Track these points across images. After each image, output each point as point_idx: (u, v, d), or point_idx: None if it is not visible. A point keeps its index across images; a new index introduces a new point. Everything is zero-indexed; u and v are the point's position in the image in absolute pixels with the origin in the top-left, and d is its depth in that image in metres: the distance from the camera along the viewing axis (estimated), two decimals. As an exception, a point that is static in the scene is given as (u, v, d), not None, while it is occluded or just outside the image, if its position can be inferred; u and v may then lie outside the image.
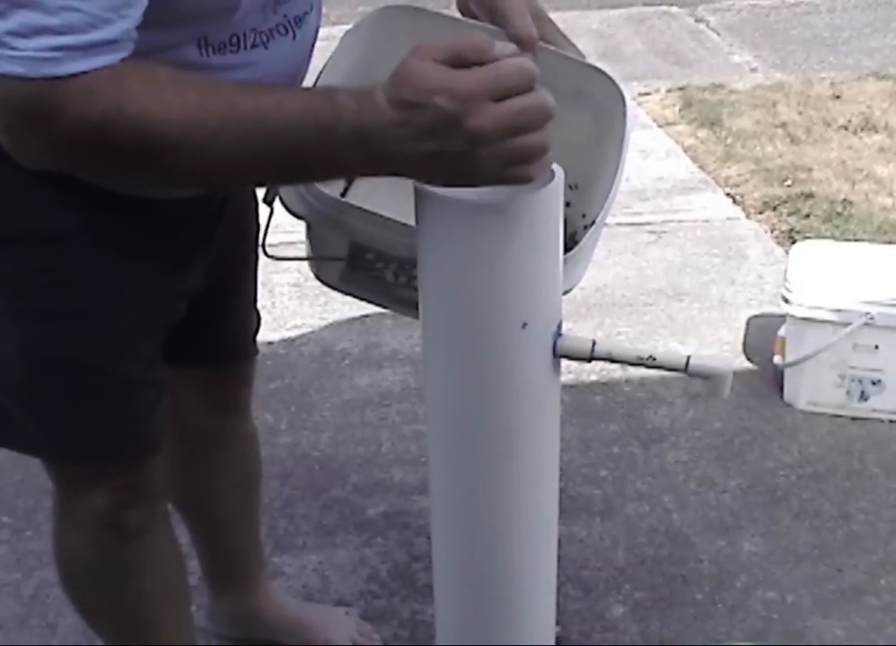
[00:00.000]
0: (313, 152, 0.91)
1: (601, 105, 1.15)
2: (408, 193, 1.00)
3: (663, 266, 2.96)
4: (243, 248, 1.43)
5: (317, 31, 1.18)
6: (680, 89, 4.18)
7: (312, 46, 1.18)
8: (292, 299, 2.79)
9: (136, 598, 1.43)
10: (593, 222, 1.14)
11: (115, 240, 1.16)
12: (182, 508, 1.67)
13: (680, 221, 3.20)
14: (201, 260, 1.29)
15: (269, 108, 0.91)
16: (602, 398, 2.42)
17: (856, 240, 2.86)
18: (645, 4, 5.30)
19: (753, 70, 4.49)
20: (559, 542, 1.20)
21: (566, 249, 1.05)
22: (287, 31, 1.10)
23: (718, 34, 4.95)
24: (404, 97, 0.86)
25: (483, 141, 0.86)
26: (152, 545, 1.39)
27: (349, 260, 1.22)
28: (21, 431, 1.24)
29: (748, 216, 3.23)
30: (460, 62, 0.87)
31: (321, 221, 1.16)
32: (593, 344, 1.03)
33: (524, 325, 0.99)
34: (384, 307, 1.30)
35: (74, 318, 1.17)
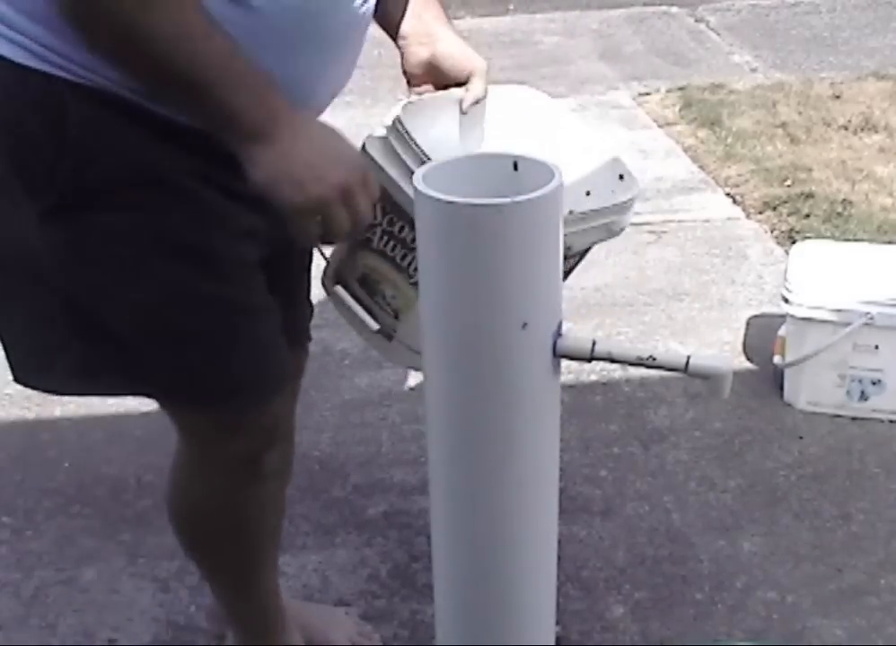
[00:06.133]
0: (227, 104, 1.10)
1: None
2: None
3: (663, 266, 2.96)
4: None
5: None
6: (680, 89, 4.18)
7: None
8: (292, 299, 2.79)
9: (259, 533, 1.54)
10: None
11: (219, 181, 1.22)
12: None
13: (680, 221, 3.20)
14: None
15: (231, 61, 1.09)
16: (602, 398, 2.42)
17: (856, 240, 2.86)
18: (645, 4, 5.30)
19: (753, 70, 4.49)
20: (559, 542, 1.20)
21: None
22: None
23: (718, 34, 4.95)
24: (304, 156, 1.13)
25: (319, 203, 1.14)
26: (279, 483, 1.50)
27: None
28: (166, 378, 1.30)
29: (748, 216, 3.23)
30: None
31: None
32: (593, 344, 1.03)
33: (524, 325, 0.99)
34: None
35: (205, 254, 1.23)
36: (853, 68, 4.40)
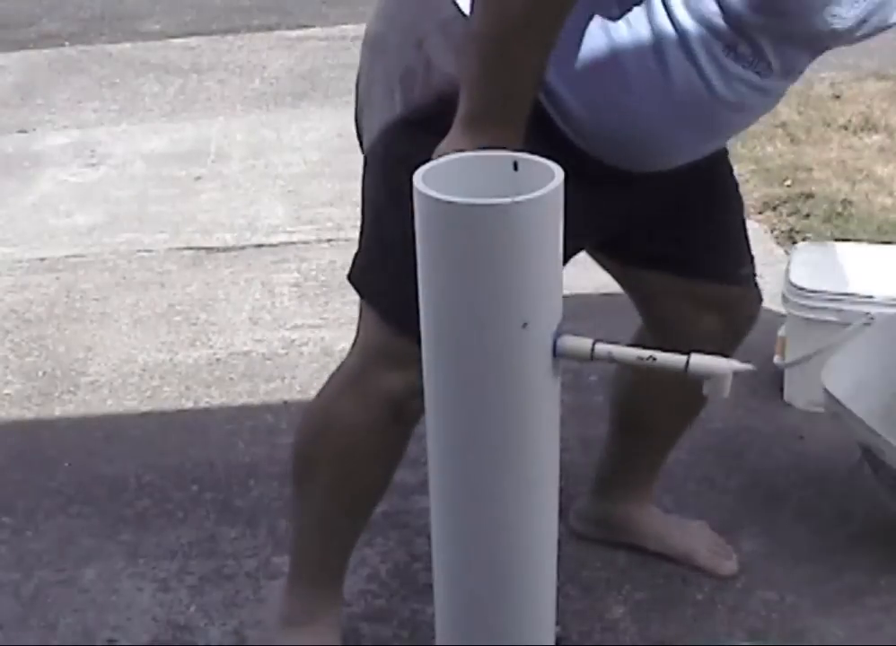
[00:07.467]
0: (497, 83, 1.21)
1: None
2: None
3: (663, 266, 2.95)
4: (709, 189, 1.66)
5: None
6: (681, 89, 4.18)
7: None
8: (292, 299, 2.78)
9: (372, 480, 1.59)
10: None
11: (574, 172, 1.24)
12: (618, 410, 1.90)
13: (680, 221, 3.20)
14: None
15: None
16: (602, 398, 2.41)
17: (856, 240, 2.86)
18: (645, 4, 5.29)
19: (753, 70, 4.49)
20: (559, 542, 1.20)
21: None
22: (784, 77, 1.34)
23: (718, 34, 4.94)
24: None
25: None
26: (408, 435, 1.53)
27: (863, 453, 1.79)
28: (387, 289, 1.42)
29: (748, 216, 3.22)
30: None
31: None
32: (593, 344, 1.03)
33: (524, 325, 0.99)
34: None
35: None
36: (853, 68, 4.40)
